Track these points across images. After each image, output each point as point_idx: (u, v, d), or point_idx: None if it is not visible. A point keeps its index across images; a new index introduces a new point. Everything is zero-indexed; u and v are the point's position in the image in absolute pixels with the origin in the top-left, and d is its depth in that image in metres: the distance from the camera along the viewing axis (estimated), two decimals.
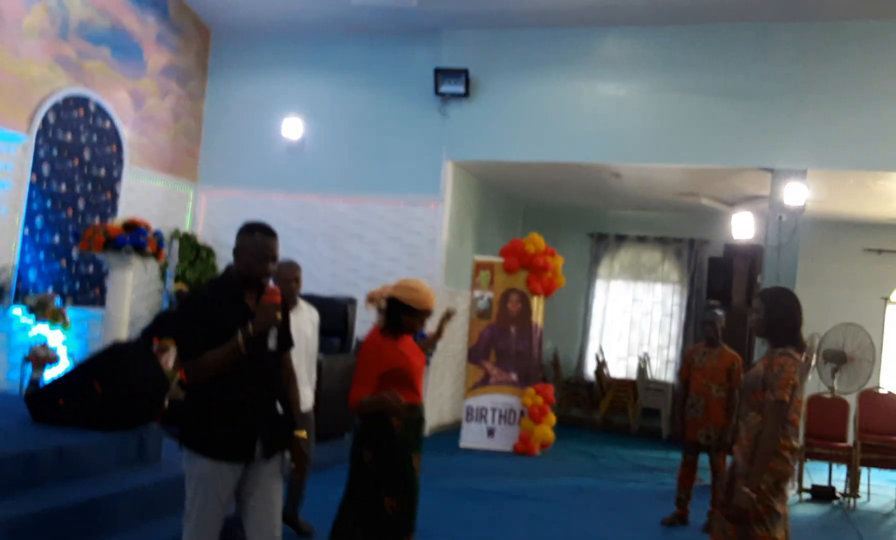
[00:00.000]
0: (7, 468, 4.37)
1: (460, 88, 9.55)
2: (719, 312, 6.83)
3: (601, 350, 12.29)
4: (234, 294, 3.36)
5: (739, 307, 11.06)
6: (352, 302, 8.69)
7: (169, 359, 7.71)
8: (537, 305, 9.61)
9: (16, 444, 4.67)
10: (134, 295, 9.36)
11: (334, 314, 8.43)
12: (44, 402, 5.22)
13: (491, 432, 9.38)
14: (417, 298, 3.83)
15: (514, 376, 9.48)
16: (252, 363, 3.31)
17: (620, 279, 12.69)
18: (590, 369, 12.50)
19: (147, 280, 9.75)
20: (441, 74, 9.58)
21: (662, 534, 6.41)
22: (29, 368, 7.49)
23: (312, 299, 8.60)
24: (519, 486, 7.66)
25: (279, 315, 3.32)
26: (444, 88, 9.59)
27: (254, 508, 3.42)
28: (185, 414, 3.43)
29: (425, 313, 3.86)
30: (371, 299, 3.93)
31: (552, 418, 9.41)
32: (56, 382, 5.37)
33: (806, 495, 7.97)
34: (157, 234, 6.82)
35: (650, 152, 9.28)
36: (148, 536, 4.74)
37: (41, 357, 7.07)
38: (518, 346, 9.51)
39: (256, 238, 3.34)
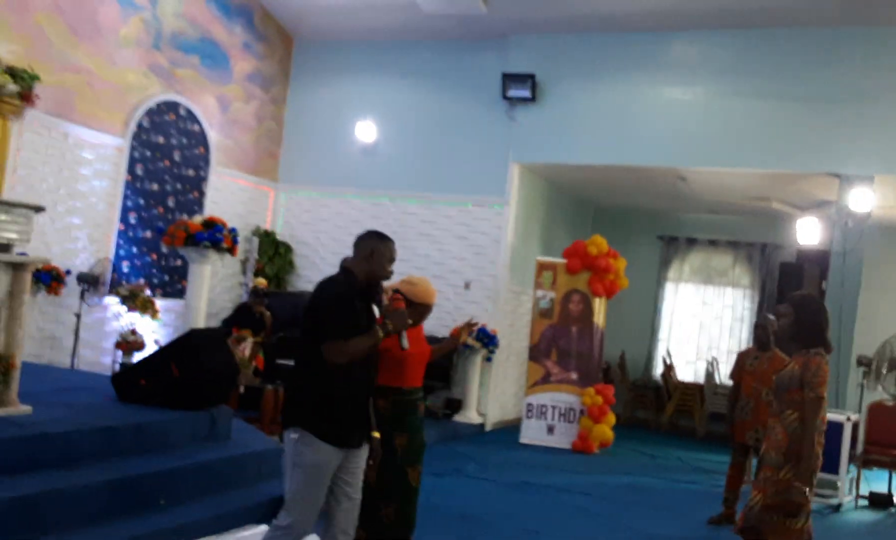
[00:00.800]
0: (91, 440, 4.89)
1: (527, 92, 9.81)
2: (771, 317, 6.89)
3: (668, 353, 12.33)
4: (358, 292, 3.71)
5: None
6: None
7: (246, 348, 8.26)
8: (599, 306, 9.78)
9: (100, 419, 5.20)
10: (218, 287, 10.05)
11: None
12: (127, 382, 5.76)
13: (551, 429, 9.61)
14: (416, 291, 4.22)
15: (574, 376, 9.69)
16: (369, 359, 3.71)
17: (690, 282, 12.68)
18: (657, 372, 12.54)
19: (230, 273, 10.41)
20: (508, 79, 9.87)
21: (707, 532, 6.53)
22: (119, 353, 8.17)
23: None
24: (571, 481, 7.89)
25: (409, 320, 3.75)
26: (512, 92, 9.87)
27: (345, 487, 3.72)
28: (304, 401, 3.65)
29: (423, 307, 4.23)
30: (384, 291, 4.30)
31: (612, 418, 9.57)
32: (139, 365, 5.92)
33: (863, 502, 7.91)
34: (233, 231, 7.36)
35: (716, 156, 9.33)
36: (214, 507, 5.18)
37: (130, 343, 7.71)
38: (579, 346, 9.71)
39: (389, 244, 3.74)
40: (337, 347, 3.52)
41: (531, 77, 9.79)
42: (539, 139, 9.99)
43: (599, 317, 9.80)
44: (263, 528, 5.22)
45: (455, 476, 7.48)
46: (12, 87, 7.21)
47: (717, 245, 12.49)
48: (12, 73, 7.27)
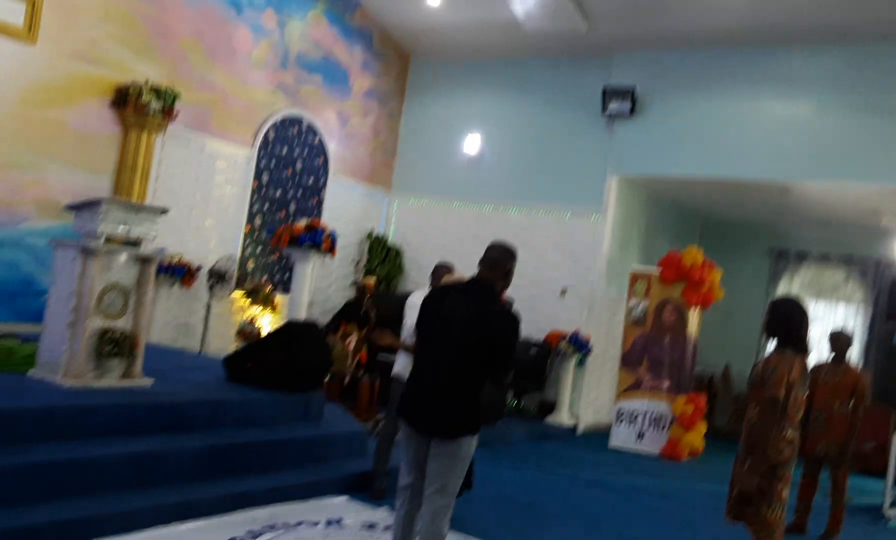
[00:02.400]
0: (199, 411, 5.70)
1: (627, 106, 10.09)
2: (847, 331, 6.96)
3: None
4: None
5: None
6: (510, 303, 9.55)
7: (351, 342, 9.03)
8: (693, 316, 9.91)
9: (210, 394, 6.03)
10: (333, 285, 10.93)
11: None
12: (236, 365, 6.58)
13: (640, 435, 9.83)
14: None
15: (665, 384, 9.86)
16: None
17: (801, 297, 12.46)
18: None
19: (344, 273, 11.28)
20: (608, 93, 10.18)
21: None
22: (240, 341, 9.11)
23: None
24: (651, 484, 8.12)
25: None
26: (612, 106, 10.18)
27: None
28: (473, 411, 3.85)
29: None
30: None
31: (703, 427, 9.68)
32: (246, 350, 6.74)
33: None
34: (332, 234, 8.11)
35: (820, 170, 9.27)
36: (302, 477, 5.88)
37: (247, 332, 8.61)
38: (671, 355, 9.88)
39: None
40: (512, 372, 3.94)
41: (631, 91, 10.06)
42: (638, 152, 10.24)
43: (693, 327, 9.93)
44: (344, 498, 5.90)
45: (533, 470, 7.90)
46: (156, 104, 8.31)
47: (829, 259, 12.23)
48: (157, 91, 8.38)
